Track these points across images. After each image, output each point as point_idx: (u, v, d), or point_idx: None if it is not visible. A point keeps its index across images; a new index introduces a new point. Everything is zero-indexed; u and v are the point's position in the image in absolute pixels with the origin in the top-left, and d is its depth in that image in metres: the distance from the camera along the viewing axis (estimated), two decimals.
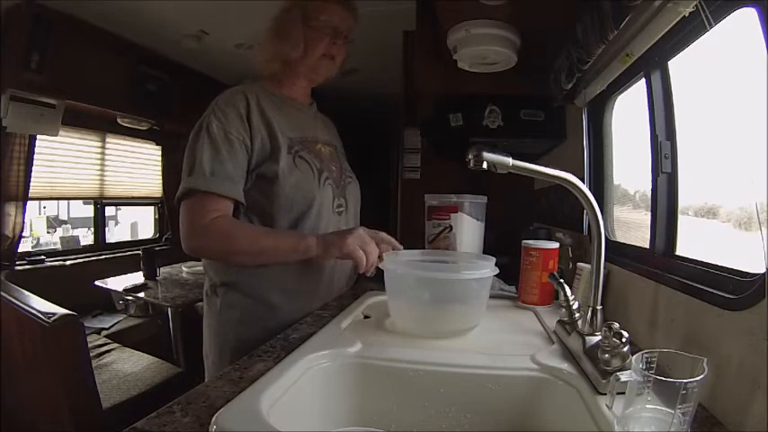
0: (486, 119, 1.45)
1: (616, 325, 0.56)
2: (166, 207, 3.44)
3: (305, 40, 0.99)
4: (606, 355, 0.56)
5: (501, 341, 0.79)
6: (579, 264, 0.99)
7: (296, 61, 1.01)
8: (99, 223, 3.03)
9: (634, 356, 0.45)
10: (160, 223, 3.52)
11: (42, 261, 2.50)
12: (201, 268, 2.53)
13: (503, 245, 1.21)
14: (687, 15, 0.61)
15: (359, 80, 2.90)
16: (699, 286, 0.60)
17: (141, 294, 2.12)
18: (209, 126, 0.91)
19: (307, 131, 1.04)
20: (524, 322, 0.90)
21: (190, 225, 0.89)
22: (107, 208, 3.11)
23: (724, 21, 0.62)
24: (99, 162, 2.92)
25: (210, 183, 0.88)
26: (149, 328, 2.56)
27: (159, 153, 3.37)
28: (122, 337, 2.31)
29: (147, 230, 3.72)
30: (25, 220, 2.31)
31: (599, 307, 0.65)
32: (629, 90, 1.03)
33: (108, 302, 2.63)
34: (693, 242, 0.81)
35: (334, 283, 1.06)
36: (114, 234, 4.28)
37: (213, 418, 0.47)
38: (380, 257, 0.90)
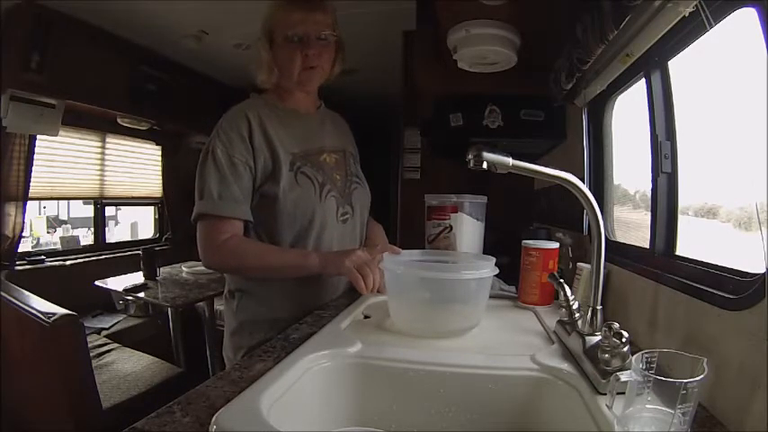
0: (486, 119, 1.45)
1: (616, 325, 0.55)
2: (166, 207, 3.44)
3: (276, 63, 1.00)
4: (606, 355, 0.56)
5: (501, 341, 0.79)
6: (579, 264, 0.99)
7: (280, 81, 1.04)
8: (99, 223, 3.03)
9: (634, 356, 0.45)
10: (160, 223, 3.52)
11: (42, 261, 2.50)
12: (201, 268, 2.54)
13: (503, 245, 1.21)
14: (687, 15, 0.61)
15: (359, 80, 2.89)
16: (699, 286, 0.60)
17: (141, 294, 2.12)
18: (214, 151, 0.96)
19: (310, 143, 1.06)
20: (524, 322, 0.90)
21: (206, 245, 0.97)
22: (107, 208, 3.11)
23: (724, 21, 0.62)
24: (99, 162, 2.92)
25: (219, 207, 0.95)
26: (149, 328, 2.56)
27: (159, 153, 3.37)
28: (122, 337, 2.31)
29: (147, 230, 3.72)
30: (25, 220, 2.31)
31: (599, 307, 0.65)
32: (629, 90, 1.03)
33: (108, 302, 2.63)
34: (693, 242, 0.81)
35: (341, 286, 1.10)
36: (114, 234, 4.27)
37: (213, 418, 0.47)
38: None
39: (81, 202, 3.77)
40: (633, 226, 1.07)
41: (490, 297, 0.88)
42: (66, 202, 4.61)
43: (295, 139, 1.03)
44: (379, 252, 0.98)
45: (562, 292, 0.71)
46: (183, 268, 2.56)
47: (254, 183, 0.99)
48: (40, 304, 1.39)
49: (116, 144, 3.02)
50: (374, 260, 0.96)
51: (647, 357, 0.46)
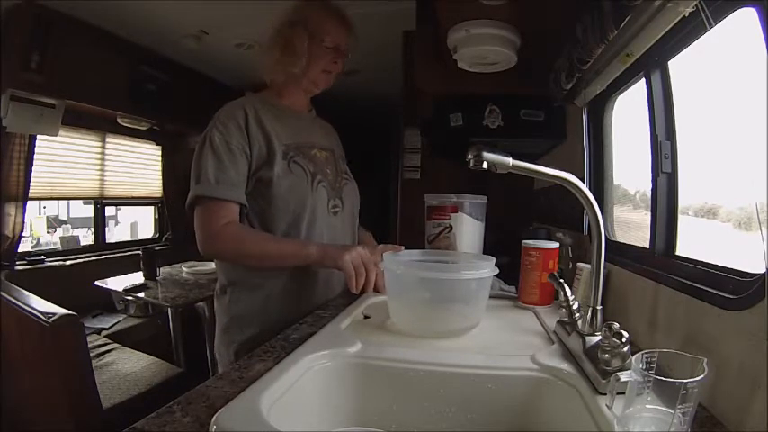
0: (486, 119, 1.45)
1: (616, 325, 0.55)
2: (166, 207, 3.44)
3: (308, 57, 1.06)
4: (606, 355, 0.56)
5: (501, 341, 0.79)
6: (579, 264, 0.99)
7: (297, 74, 1.08)
8: (99, 223, 3.03)
9: (634, 356, 0.45)
10: (160, 223, 3.52)
11: (42, 261, 2.50)
12: (202, 268, 2.54)
13: (503, 245, 1.21)
14: (687, 15, 0.61)
15: (359, 80, 2.89)
16: (699, 286, 0.60)
17: (141, 294, 2.12)
18: (211, 139, 0.99)
19: (303, 137, 1.10)
20: (524, 322, 0.90)
21: (204, 232, 0.98)
22: (107, 208, 3.11)
23: (724, 21, 0.62)
24: (99, 162, 2.92)
25: (216, 190, 0.96)
26: (149, 328, 2.56)
27: (159, 153, 3.37)
28: (122, 337, 2.31)
29: (147, 230, 3.72)
30: (25, 220, 2.31)
31: (599, 307, 0.65)
32: (629, 90, 1.03)
33: (108, 302, 2.63)
34: (693, 242, 0.81)
35: (333, 279, 1.10)
36: (114, 234, 4.27)
37: (213, 418, 0.47)
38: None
39: (81, 202, 3.77)
40: (633, 226, 1.07)
41: (490, 297, 0.88)
42: (66, 202, 4.61)
43: (288, 133, 1.07)
44: (380, 252, 0.98)
45: (562, 292, 0.71)
46: (183, 268, 2.56)
47: (250, 169, 1.01)
48: (40, 304, 1.39)
49: (116, 144, 3.02)
50: (374, 261, 0.97)
51: (647, 357, 0.46)
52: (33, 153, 2.28)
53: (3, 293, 1.46)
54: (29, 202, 2.30)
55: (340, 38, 1.09)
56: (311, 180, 1.05)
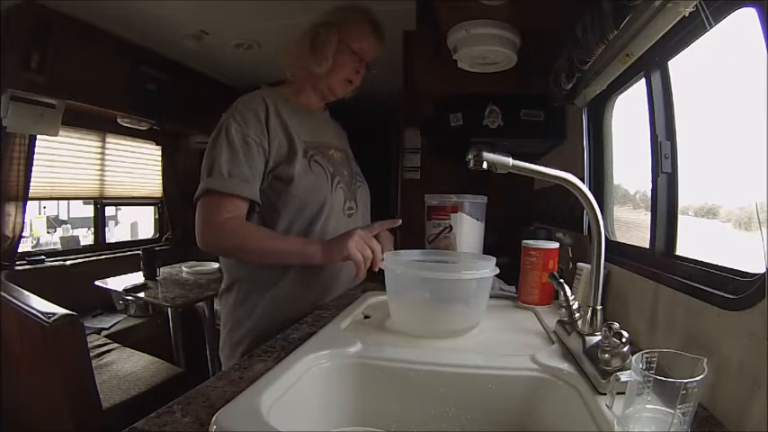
0: (486, 119, 1.45)
1: (616, 325, 0.55)
2: (166, 207, 3.44)
3: (333, 61, 1.04)
4: (606, 355, 0.56)
5: (501, 341, 0.79)
6: (579, 264, 0.99)
7: (317, 77, 1.07)
8: (99, 223, 3.03)
9: (634, 356, 0.45)
10: (160, 223, 3.52)
11: (42, 261, 2.50)
12: (202, 268, 2.54)
13: (503, 245, 1.21)
14: (687, 15, 0.61)
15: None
16: (699, 286, 0.60)
17: (141, 294, 2.12)
18: (227, 129, 0.95)
19: (320, 137, 1.09)
20: (524, 322, 0.90)
21: (205, 222, 0.94)
22: (107, 208, 3.11)
23: (724, 21, 0.62)
24: (99, 162, 2.93)
25: (228, 184, 0.93)
26: (149, 328, 2.56)
27: (159, 153, 3.37)
28: (122, 337, 2.31)
29: (147, 230, 3.73)
30: (25, 220, 2.31)
31: (599, 307, 0.65)
32: (629, 90, 1.03)
33: (108, 302, 2.63)
34: (693, 242, 0.81)
35: (342, 276, 1.09)
36: (114, 234, 4.27)
37: (213, 418, 0.47)
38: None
39: (81, 202, 3.77)
40: (633, 226, 1.07)
41: (490, 297, 0.88)
42: (66, 202, 4.62)
43: (306, 130, 1.05)
44: (376, 230, 0.97)
45: (562, 292, 0.71)
46: (183, 268, 2.56)
47: (267, 165, 0.97)
48: (40, 304, 1.39)
49: (116, 144, 3.02)
50: (372, 232, 0.96)
51: (647, 357, 0.46)
52: (33, 153, 2.28)
53: (3, 293, 1.46)
54: (29, 202, 2.30)
55: (367, 47, 1.08)
56: (331, 180, 1.03)
